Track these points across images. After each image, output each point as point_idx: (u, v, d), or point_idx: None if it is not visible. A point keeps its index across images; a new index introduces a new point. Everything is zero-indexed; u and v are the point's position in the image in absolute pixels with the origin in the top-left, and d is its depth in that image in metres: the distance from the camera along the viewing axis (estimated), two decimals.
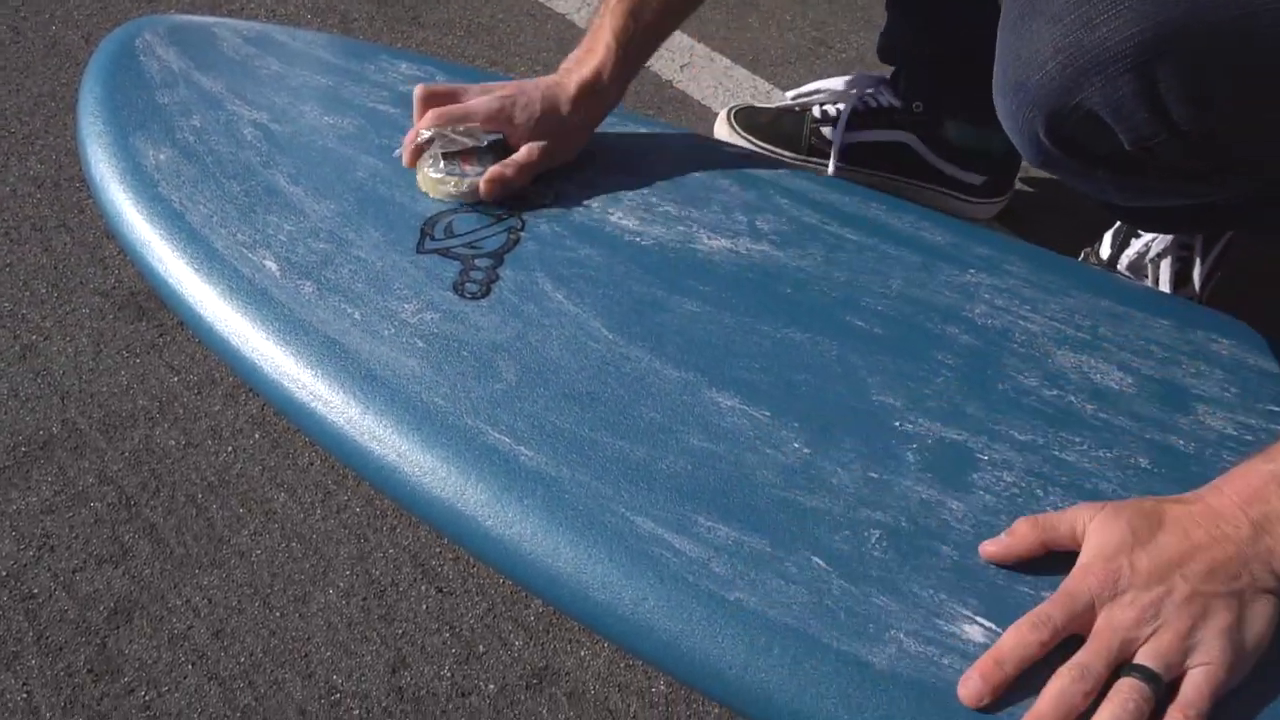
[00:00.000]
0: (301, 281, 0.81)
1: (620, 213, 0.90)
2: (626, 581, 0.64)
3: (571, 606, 0.66)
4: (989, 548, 0.65)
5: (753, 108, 1.18)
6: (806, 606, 0.63)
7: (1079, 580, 0.60)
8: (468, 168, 0.89)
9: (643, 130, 1.02)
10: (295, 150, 0.93)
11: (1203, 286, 1.04)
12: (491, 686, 0.69)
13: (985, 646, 0.61)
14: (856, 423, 0.73)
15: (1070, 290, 0.87)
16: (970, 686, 0.59)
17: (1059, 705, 0.57)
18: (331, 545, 0.76)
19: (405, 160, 0.91)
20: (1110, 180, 0.82)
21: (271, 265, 0.82)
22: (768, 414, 0.73)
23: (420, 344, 0.77)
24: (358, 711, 0.67)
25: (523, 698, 0.69)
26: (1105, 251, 1.07)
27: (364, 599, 0.73)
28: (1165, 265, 1.04)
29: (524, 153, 0.90)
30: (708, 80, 1.32)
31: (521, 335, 0.78)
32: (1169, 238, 1.04)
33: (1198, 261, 1.03)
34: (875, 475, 0.70)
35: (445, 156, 0.89)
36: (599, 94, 0.93)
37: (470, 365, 0.76)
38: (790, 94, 1.17)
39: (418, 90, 0.92)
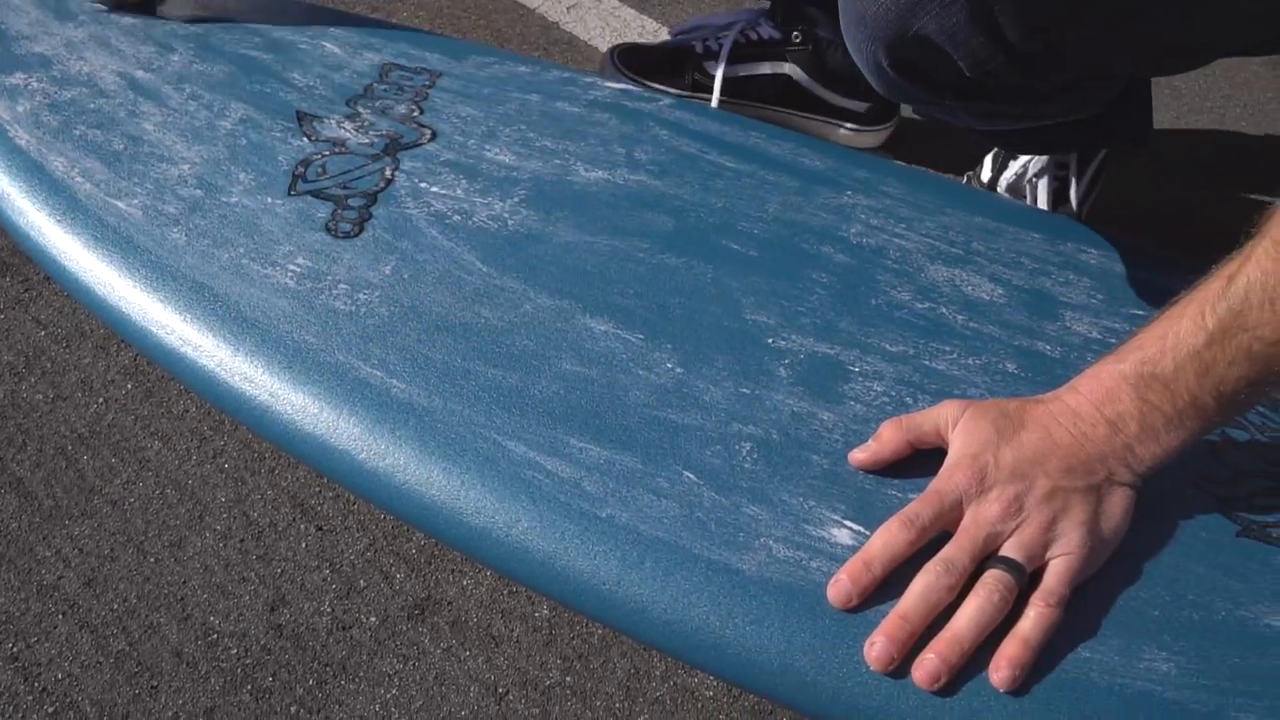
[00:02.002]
0: (169, 228, 0.79)
1: (497, 149, 0.90)
2: (500, 505, 0.64)
3: (448, 534, 0.66)
4: (858, 455, 0.66)
5: (636, 45, 1.17)
6: (677, 519, 0.63)
7: (946, 479, 0.61)
8: None
9: (524, 69, 1.01)
10: (161, 98, 0.91)
11: (1080, 205, 1.06)
12: (373, 619, 0.69)
13: (853, 549, 0.62)
14: (729, 342, 0.74)
15: (945, 209, 0.88)
16: (839, 588, 0.60)
17: (924, 600, 0.58)
18: (208, 490, 0.75)
19: None
20: (959, 106, 0.83)
21: (137, 213, 0.80)
22: (641, 337, 0.74)
23: (291, 284, 0.76)
24: (235, 650, 0.66)
25: (405, 628, 0.69)
26: (986, 175, 1.09)
27: (241, 540, 0.72)
28: (1042, 185, 1.05)
29: None
30: (595, 21, 1.31)
31: (395, 271, 0.77)
32: (1045, 159, 1.06)
33: (1074, 181, 1.05)
34: (747, 391, 0.71)
35: None
36: None
37: (343, 303, 0.75)
38: (673, 31, 1.17)
39: None
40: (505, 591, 0.72)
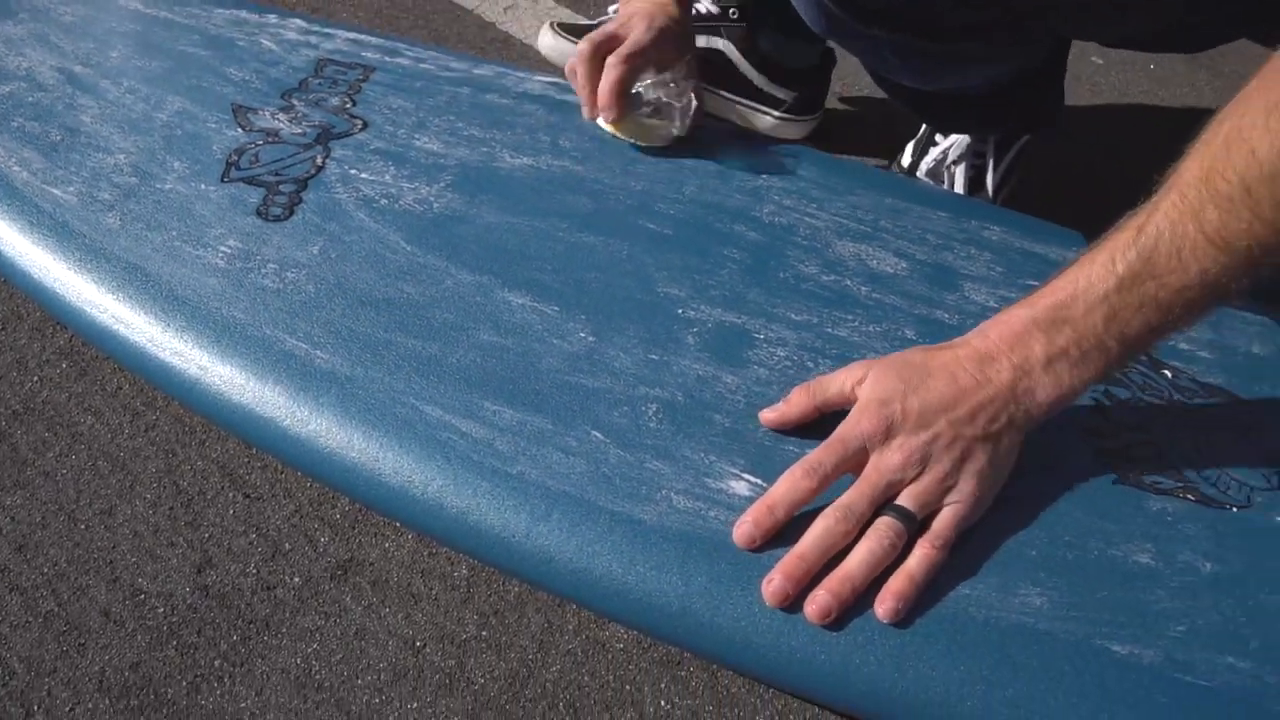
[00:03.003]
0: (104, 214, 0.82)
1: (426, 138, 0.93)
2: (417, 465, 0.68)
3: (367, 495, 0.69)
4: (767, 415, 0.70)
5: (576, 22, 1.21)
6: (584, 475, 0.67)
7: (852, 426, 0.65)
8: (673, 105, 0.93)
9: (456, 64, 1.05)
10: (99, 92, 0.94)
11: (996, 191, 1.10)
12: (297, 579, 0.72)
13: (750, 500, 0.65)
14: (641, 313, 0.77)
15: (856, 190, 0.92)
16: (743, 530, 0.63)
17: (821, 542, 0.62)
18: (139, 461, 0.78)
19: (614, 116, 0.91)
20: (889, 42, 0.87)
21: (73, 200, 0.83)
22: (556, 309, 0.77)
23: (222, 264, 0.79)
24: (162, 610, 0.69)
25: (328, 588, 0.72)
26: (906, 160, 1.13)
27: (171, 508, 0.75)
28: (960, 171, 1.10)
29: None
30: (530, 20, 1.34)
31: (322, 251, 0.80)
32: (965, 145, 1.10)
33: (990, 167, 1.10)
34: (655, 357, 0.74)
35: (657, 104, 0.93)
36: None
37: (271, 281, 0.78)
38: (612, 8, 1.21)
39: (585, 48, 0.91)
40: (426, 553, 0.75)
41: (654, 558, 0.63)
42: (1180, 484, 0.70)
